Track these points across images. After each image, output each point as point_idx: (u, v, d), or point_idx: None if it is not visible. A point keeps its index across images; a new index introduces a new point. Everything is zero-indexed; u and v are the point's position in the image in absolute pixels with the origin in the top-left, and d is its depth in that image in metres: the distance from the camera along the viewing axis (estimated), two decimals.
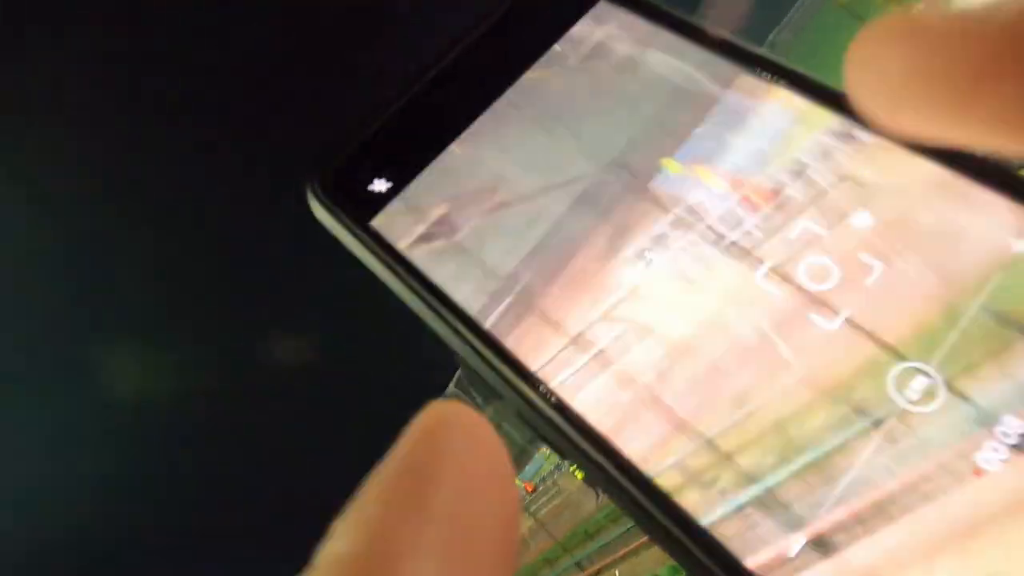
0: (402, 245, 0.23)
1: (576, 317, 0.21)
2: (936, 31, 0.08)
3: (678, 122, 0.23)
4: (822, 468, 0.18)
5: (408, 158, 0.24)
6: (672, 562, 0.17)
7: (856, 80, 0.09)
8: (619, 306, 0.21)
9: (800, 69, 0.22)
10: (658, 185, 0.23)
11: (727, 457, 0.19)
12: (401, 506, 0.10)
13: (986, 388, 0.17)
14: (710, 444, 0.19)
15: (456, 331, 0.22)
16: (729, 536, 0.17)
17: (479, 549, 0.10)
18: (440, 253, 0.23)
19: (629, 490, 0.19)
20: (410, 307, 0.22)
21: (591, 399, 0.20)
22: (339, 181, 0.24)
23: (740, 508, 0.18)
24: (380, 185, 0.24)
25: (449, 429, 0.10)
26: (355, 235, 0.23)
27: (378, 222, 0.23)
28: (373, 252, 0.23)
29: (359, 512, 0.10)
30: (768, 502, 0.18)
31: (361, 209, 0.24)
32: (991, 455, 0.17)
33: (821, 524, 0.17)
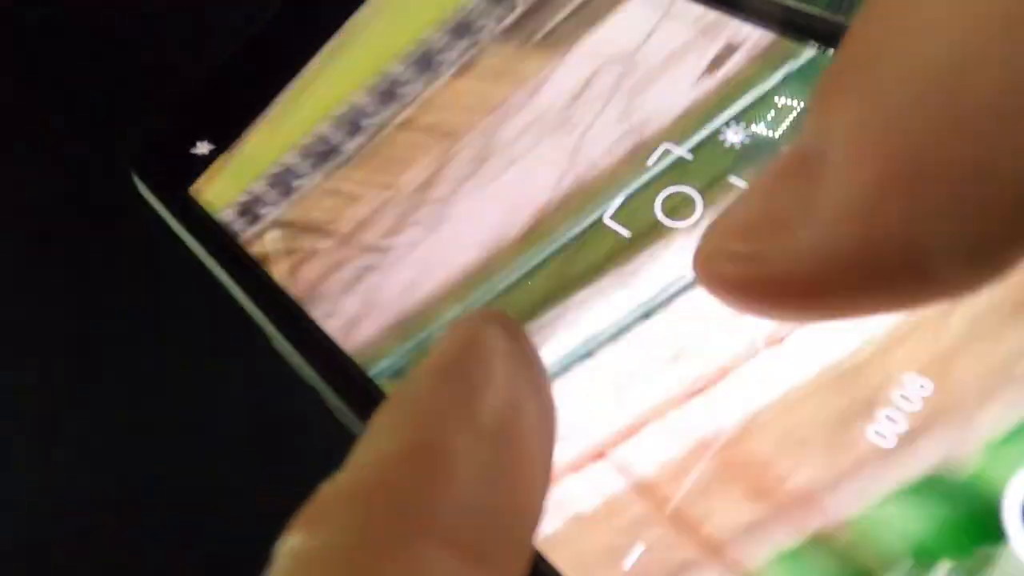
0: (221, 215, 0.21)
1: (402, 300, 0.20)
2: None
3: None
4: None
5: (228, 120, 0.23)
6: None
7: (699, 281, 0.09)
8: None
9: None
10: None
11: None
12: (450, 412, 0.09)
13: None
14: None
15: (264, 311, 0.20)
16: None
17: (526, 464, 0.10)
18: (264, 226, 0.21)
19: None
20: (227, 289, 0.21)
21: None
22: (156, 149, 0.23)
23: None
24: (201, 149, 0.22)
25: (495, 337, 0.10)
26: (169, 205, 0.22)
27: (196, 190, 0.22)
28: (186, 223, 0.21)
29: (404, 412, 0.10)
30: None
31: (179, 178, 0.22)
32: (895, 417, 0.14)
33: None
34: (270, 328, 0.20)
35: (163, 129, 0.23)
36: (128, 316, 0.30)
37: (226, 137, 0.23)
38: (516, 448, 0.09)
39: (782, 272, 0.08)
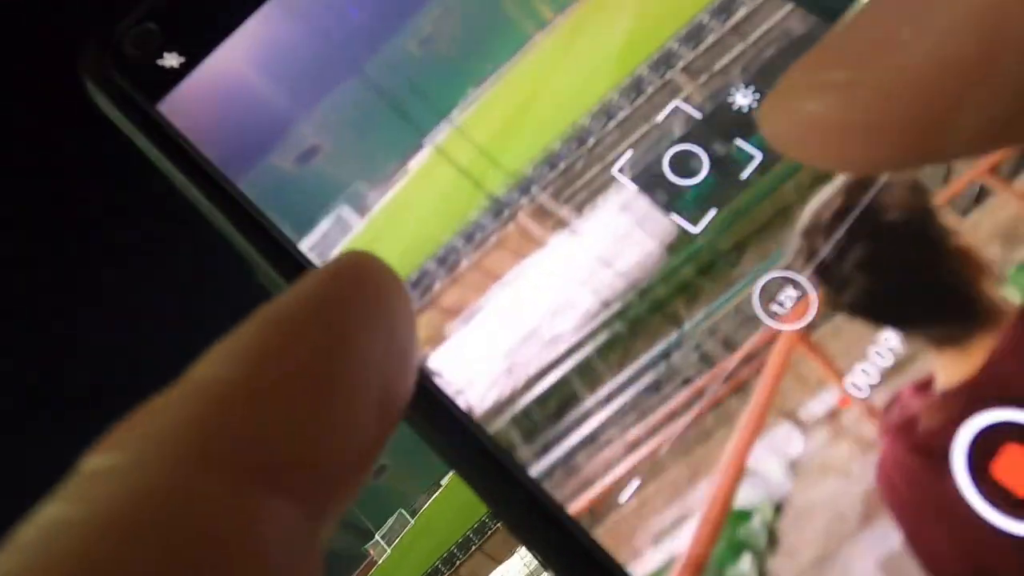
0: (193, 134, 0.19)
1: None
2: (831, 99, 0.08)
3: None
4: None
5: (205, 28, 0.20)
6: None
7: (769, 130, 0.09)
8: None
9: None
10: None
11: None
12: (300, 356, 0.09)
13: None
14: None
15: (248, 237, 0.18)
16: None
17: (364, 426, 0.09)
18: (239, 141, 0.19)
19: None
20: (202, 211, 0.19)
21: None
22: (120, 56, 0.20)
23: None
24: (171, 60, 0.20)
25: (367, 287, 0.10)
26: (135, 120, 0.19)
27: (167, 106, 0.20)
28: (157, 141, 0.19)
29: (250, 341, 0.09)
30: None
31: (147, 90, 0.20)
32: (861, 379, 0.15)
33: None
34: (246, 247, 0.18)
35: (124, 36, 0.20)
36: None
37: (197, 49, 0.20)
38: (356, 406, 0.09)
39: (889, 89, 0.08)
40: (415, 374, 0.10)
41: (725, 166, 0.18)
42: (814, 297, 0.16)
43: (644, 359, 0.16)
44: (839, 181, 0.16)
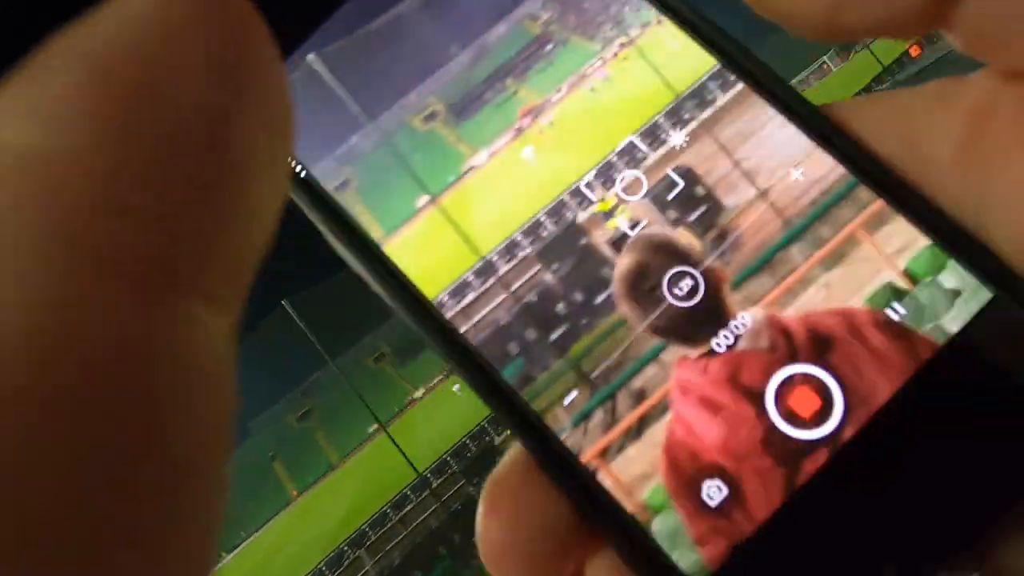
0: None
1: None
2: None
3: None
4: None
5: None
6: None
7: None
8: None
9: None
10: None
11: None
12: (170, 117, 0.06)
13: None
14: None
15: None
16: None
17: (260, 198, 0.07)
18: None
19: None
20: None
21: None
22: None
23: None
24: None
25: (219, 14, 0.07)
26: None
27: None
28: None
29: (82, 97, 0.06)
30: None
31: None
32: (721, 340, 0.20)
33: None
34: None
35: None
36: None
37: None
38: (220, 163, 0.07)
39: None
40: (293, 134, 0.08)
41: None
42: None
43: None
44: None
